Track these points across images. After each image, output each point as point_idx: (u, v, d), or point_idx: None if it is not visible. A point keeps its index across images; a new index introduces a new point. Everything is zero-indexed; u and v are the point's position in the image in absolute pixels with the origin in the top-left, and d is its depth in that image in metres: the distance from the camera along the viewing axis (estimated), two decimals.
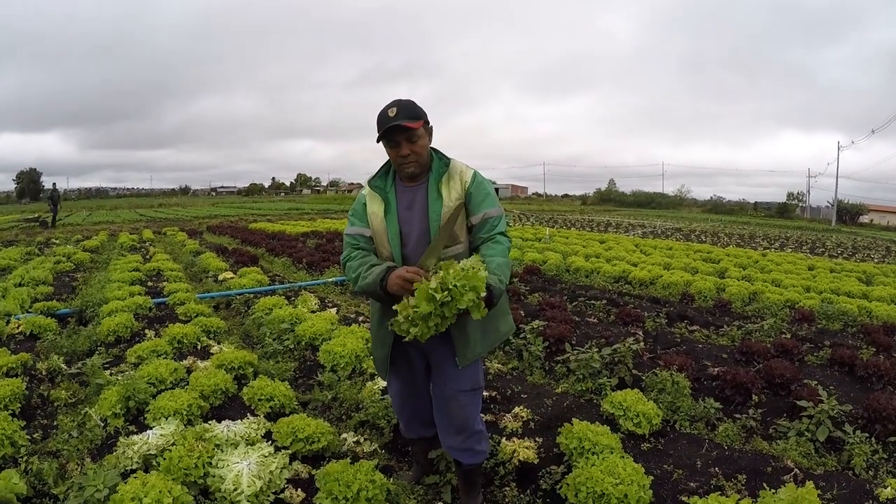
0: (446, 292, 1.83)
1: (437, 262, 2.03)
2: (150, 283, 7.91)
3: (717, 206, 59.01)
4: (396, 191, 2.31)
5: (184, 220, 25.71)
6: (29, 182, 70.82)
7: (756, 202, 60.81)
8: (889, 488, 2.71)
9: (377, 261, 2.24)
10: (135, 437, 2.81)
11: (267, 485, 2.37)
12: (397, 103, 2.18)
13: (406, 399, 2.57)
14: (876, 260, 16.76)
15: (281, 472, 2.48)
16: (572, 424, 3.01)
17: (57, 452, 3.05)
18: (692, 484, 2.82)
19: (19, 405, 3.52)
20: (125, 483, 2.20)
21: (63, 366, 4.43)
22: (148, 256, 11.06)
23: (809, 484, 2.32)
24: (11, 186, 74.79)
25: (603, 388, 3.98)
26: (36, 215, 27.83)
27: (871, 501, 2.64)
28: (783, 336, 5.69)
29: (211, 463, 2.46)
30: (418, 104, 2.22)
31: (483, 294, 1.88)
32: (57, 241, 15.00)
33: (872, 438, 3.35)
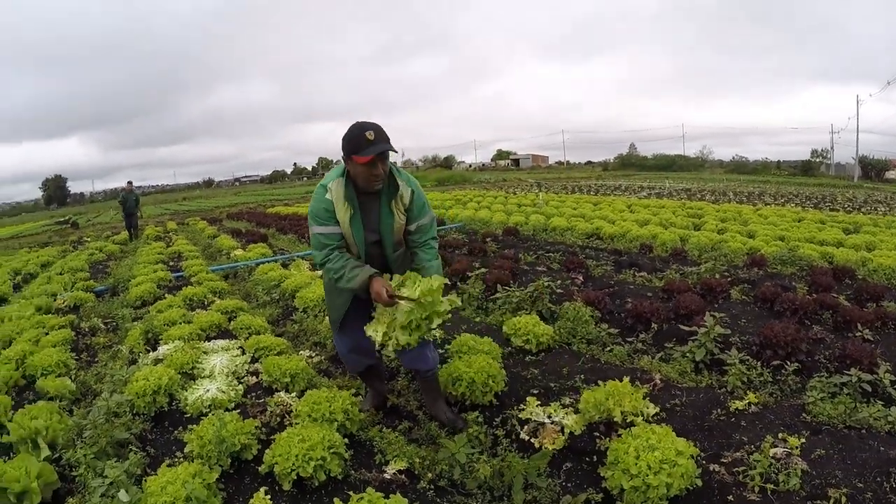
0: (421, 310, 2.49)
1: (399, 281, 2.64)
2: (171, 263, 9.18)
3: (739, 167, 57.28)
4: (357, 199, 2.60)
5: (205, 211, 27.13)
6: (55, 188, 70.91)
7: (780, 161, 58.74)
8: (744, 401, 2.93)
9: (355, 262, 2.59)
10: (150, 354, 4.00)
11: (232, 372, 3.52)
12: (372, 127, 2.39)
13: (354, 342, 2.88)
14: (881, 212, 15.75)
15: (243, 365, 3.64)
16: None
17: (98, 373, 4.26)
18: (552, 385, 3.27)
19: (69, 346, 4.73)
20: (139, 370, 3.35)
21: (101, 325, 5.67)
22: (171, 243, 12.38)
23: (626, 379, 2.82)
24: (38, 194, 75.00)
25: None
26: (65, 218, 29.93)
27: (719, 409, 2.90)
28: (715, 277, 5.88)
29: (198, 361, 3.62)
30: None
31: (442, 310, 2.48)
32: (89, 239, 16.56)
33: (760, 363, 3.54)
